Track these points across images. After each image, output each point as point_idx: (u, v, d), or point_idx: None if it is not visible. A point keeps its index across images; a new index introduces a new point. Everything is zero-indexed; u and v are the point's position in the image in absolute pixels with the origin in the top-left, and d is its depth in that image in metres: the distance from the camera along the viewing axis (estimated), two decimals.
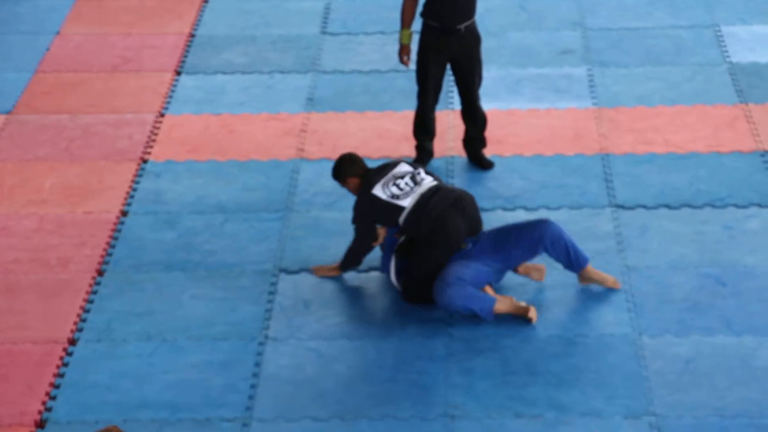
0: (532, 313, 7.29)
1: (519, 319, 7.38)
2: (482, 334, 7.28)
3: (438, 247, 7.43)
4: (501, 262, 7.44)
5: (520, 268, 7.63)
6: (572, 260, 7.47)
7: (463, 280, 7.26)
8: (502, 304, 7.32)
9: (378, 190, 7.56)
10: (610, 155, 8.90)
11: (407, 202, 7.50)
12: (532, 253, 7.45)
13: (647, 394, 6.82)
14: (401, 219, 7.52)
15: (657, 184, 8.57)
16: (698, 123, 9.23)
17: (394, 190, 7.53)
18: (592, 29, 10.45)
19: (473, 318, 7.38)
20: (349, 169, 7.72)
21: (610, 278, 7.55)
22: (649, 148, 8.95)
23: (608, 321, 7.36)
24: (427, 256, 7.43)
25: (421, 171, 7.65)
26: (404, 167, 7.67)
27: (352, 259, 7.70)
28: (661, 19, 10.55)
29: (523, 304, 7.33)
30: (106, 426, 5.29)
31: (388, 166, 7.68)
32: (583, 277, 7.55)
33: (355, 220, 7.65)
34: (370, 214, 7.60)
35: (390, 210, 7.52)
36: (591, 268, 7.53)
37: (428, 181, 7.59)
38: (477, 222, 7.56)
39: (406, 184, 7.55)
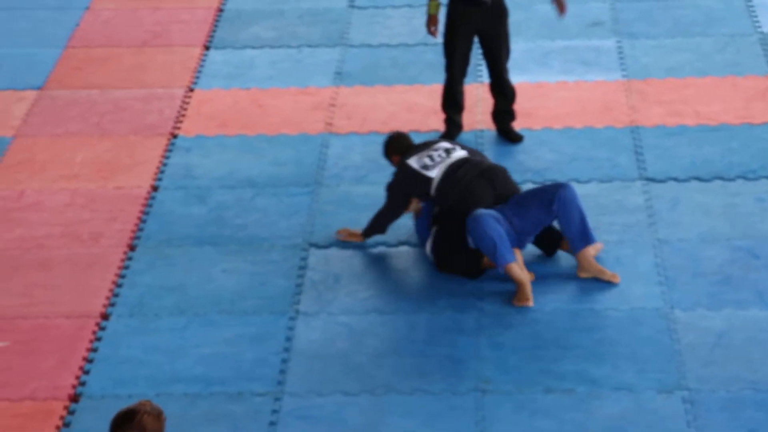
0: (528, 298, 7.25)
1: (549, 293, 7.37)
2: (513, 309, 7.28)
3: (449, 211, 7.47)
4: (520, 222, 7.39)
5: (586, 271, 7.43)
6: (582, 232, 7.34)
7: (500, 224, 7.29)
8: (517, 269, 7.28)
9: (412, 161, 7.61)
10: (640, 128, 8.87)
11: (435, 173, 7.53)
12: (547, 214, 7.36)
13: (680, 368, 6.81)
14: (432, 190, 7.54)
15: (688, 157, 8.53)
16: (729, 94, 9.18)
17: (426, 160, 7.57)
18: (621, 0, 10.40)
19: (497, 284, 7.38)
20: (394, 147, 7.85)
21: (609, 273, 7.39)
22: (679, 120, 8.91)
23: (639, 294, 7.35)
24: (457, 224, 7.45)
25: (458, 147, 7.65)
26: (443, 143, 7.70)
27: (377, 225, 7.75)
28: None
29: (528, 281, 7.26)
30: (139, 400, 5.31)
31: (429, 143, 7.76)
32: (584, 260, 7.37)
33: (388, 188, 7.71)
34: (404, 184, 7.65)
35: (420, 180, 7.56)
36: (592, 255, 7.37)
37: (459, 154, 7.60)
38: (509, 193, 7.53)
39: (439, 155, 7.57)
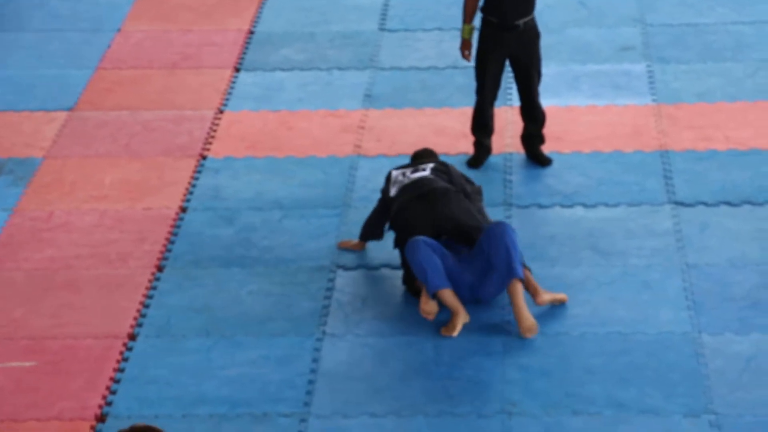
0: (455, 329, 7.18)
1: (575, 316, 7.35)
2: (539, 332, 7.26)
3: (398, 235, 7.53)
4: (467, 264, 7.32)
5: (544, 297, 7.33)
6: (506, 267, 7.14)
7: (435, 253, 7.23)
8: (450, 296, 7.21)
9: (395, 172, 7.75)
10: (670, 152, 8.84)
11: (393, 192, 7.64)
12: (480, 251, 7.24)
13: (707, 393, 6.77)
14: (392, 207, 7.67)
15: (717, 181, 8.50)
16: (760, 119, 9.14)
17: (400, 177, 7.68)
18: (652, 25, 10.39)
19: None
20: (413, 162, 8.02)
21: (528, 323, 7.15)
22: (709, 145, 8.89)
23: (667, 319, 7.31)
24: (396, 243, 7.59)
25: (429, 168, 7.64)
26: (427, 165, 7.72)
27: (366, 227, 7.86)
28: (723, 14, 10.46)
29: (462, 312, 7.19)
30: (134, 425, 5.31)
31: (417, 163, 7.81)
32: (510, 295, 7.21)
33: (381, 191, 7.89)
34: (383, 190, 7.81)
35: (386, 193, 7.71)
36: (520, 292, 7.17)
37: (420, 175, 7.60)
38: (454, 217, 7.37)
39: (405, 175, 7.66)
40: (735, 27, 10.31)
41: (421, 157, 8.05)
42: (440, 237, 7.42)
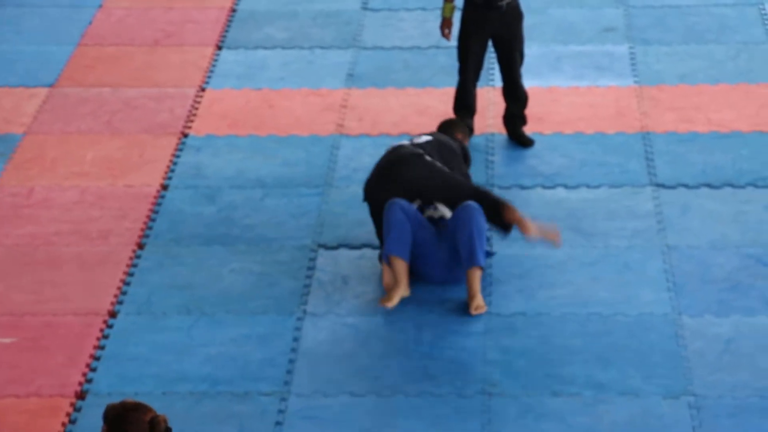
0: (391, 300, 7.20)
1: (556, 297, 7.36)
2: (520, 312, 7.28)
3: (371, 207, 7.53)
4: (445, 239, 7.33)
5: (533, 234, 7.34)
6: (468, 252, 7.16)
7: (408, 221, 7.26)
8: (399, 266, 7.22)
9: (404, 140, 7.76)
10: (652, 134, 8.86)
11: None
12: (449, 230, 7.29)
13: (686, 374, 6.80)
14: None
15: (699, 163, 8.52)
16: (741, 102, 9.16)
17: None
18: (634, 6, 10.39)
19: (508, 294, 7.38)
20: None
21: (477, 302, 7.19)
22: (691, 127, 8.90)
23: (648, 300, 7.33)
24: (370, 214, 7.62)
25: (422, 139, 7.61)
26: (424, 136, 7.68)
27: None
28: None
29: (403, 285, 7.21)
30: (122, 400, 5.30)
31: (431, 132, 7.81)
32: (467, 279, 7.23)
33: None
34: None
35: None
36: (477, 277, 7.20)
37: (397, 143, 7.62)
38: (413, 182, 7.35)
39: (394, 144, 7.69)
40: (717, 9, 10.32)
41: (440, 127, 7.99)
42: (413, 201, 7.42)
